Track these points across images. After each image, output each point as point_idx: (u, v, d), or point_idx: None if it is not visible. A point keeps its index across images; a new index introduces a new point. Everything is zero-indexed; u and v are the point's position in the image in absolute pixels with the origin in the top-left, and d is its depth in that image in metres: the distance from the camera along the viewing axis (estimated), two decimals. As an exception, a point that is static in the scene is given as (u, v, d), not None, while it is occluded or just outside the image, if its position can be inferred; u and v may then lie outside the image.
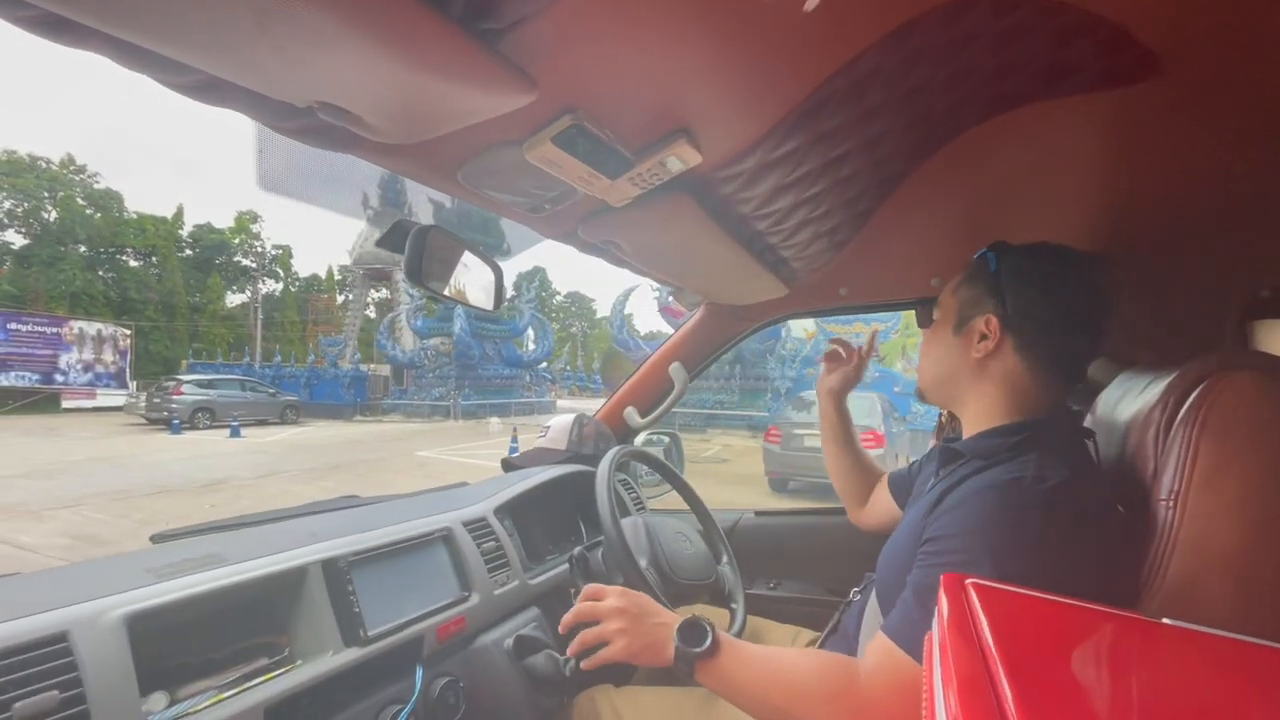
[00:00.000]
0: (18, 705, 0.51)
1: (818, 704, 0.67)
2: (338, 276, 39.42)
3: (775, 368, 14.50)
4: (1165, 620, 0.52)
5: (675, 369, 1.49)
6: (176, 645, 0.68)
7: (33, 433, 13.23)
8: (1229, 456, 0.62)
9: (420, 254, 0.68)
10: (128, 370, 21.38)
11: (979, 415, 0.82)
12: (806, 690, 0.69)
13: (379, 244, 0.71)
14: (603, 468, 1.01)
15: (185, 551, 0.76)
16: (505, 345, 20.22)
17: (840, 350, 1.23)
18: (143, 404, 15.39)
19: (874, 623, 0.84)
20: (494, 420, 17.70)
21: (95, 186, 27.01)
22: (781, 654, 0.75)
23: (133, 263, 27.83)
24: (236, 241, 33.95)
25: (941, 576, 0.55)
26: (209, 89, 0.47)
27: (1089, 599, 0.51)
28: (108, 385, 20.41)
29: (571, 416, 1.52)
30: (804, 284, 1.30)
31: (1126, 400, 0.82)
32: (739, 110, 0.66)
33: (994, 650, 0.42)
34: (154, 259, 28.34)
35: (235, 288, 34.83)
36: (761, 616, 1.30)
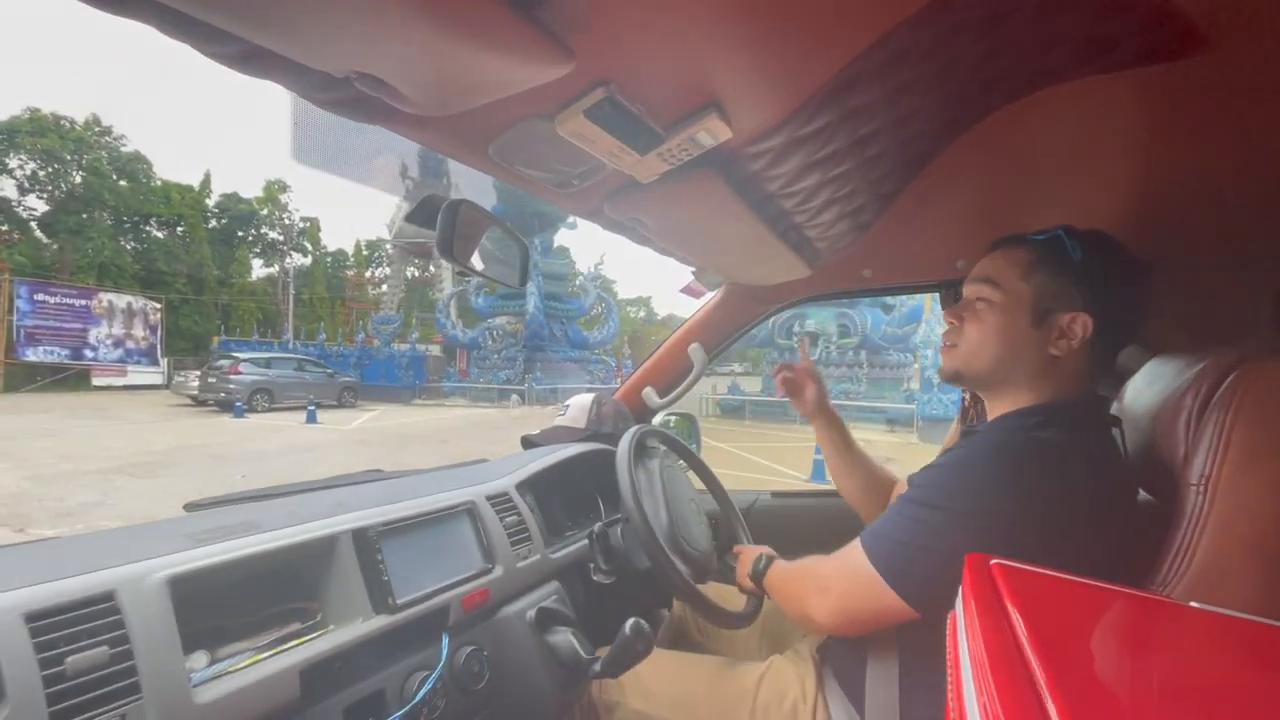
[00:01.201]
0: (70, 659, 0.53)
1: (812, 593, 0.85)
2: (365, 251, 38.15)
3: (926, 354, 13.17)
4: (1193, 604, 0.52)
5: (694, 349, 1.49)
6: (214, 608, 0.70)
7: (79, 413, 12.36)
8: (1263, 443, 0.62)
9: (452, 229, 0.68)
10: (159, 346, 20.57)
11: (1014, 400, 0.82)
12: (806, 588, 0.87)
13: (408, 219, 0.71)
14: (623, 447, 1.02)
15: (221, 519, 0.78)
16: (571, 326, 19.12)
17: (788, 374, 1.23)
18: (191, 383, 14.41)
19: None
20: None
21: (123, 149, 24.99)
22: (791, 567, 0.95)
23: (156, 233, 26.07)
24: (265, 212, 31.68)
25: (966, 556, 0.56)
26: (250, 59, 0.47)
27: (1092, 572, 0.52)
28: (139, 362, 19.63)
29: (590, 396, 1.53)
30: (827, 265, 1.29)
31: (1156, 386, 0.81)
32: (771, 84, 0.65)
33: (1021, 628, 0.42)
34: (180, 229, 26.53)
35: (263, 261, 32.59)
36: None
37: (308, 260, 34.18)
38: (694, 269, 1.33)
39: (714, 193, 0.83)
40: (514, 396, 16.28)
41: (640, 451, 1.06)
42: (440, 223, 0.67)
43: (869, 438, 11.03)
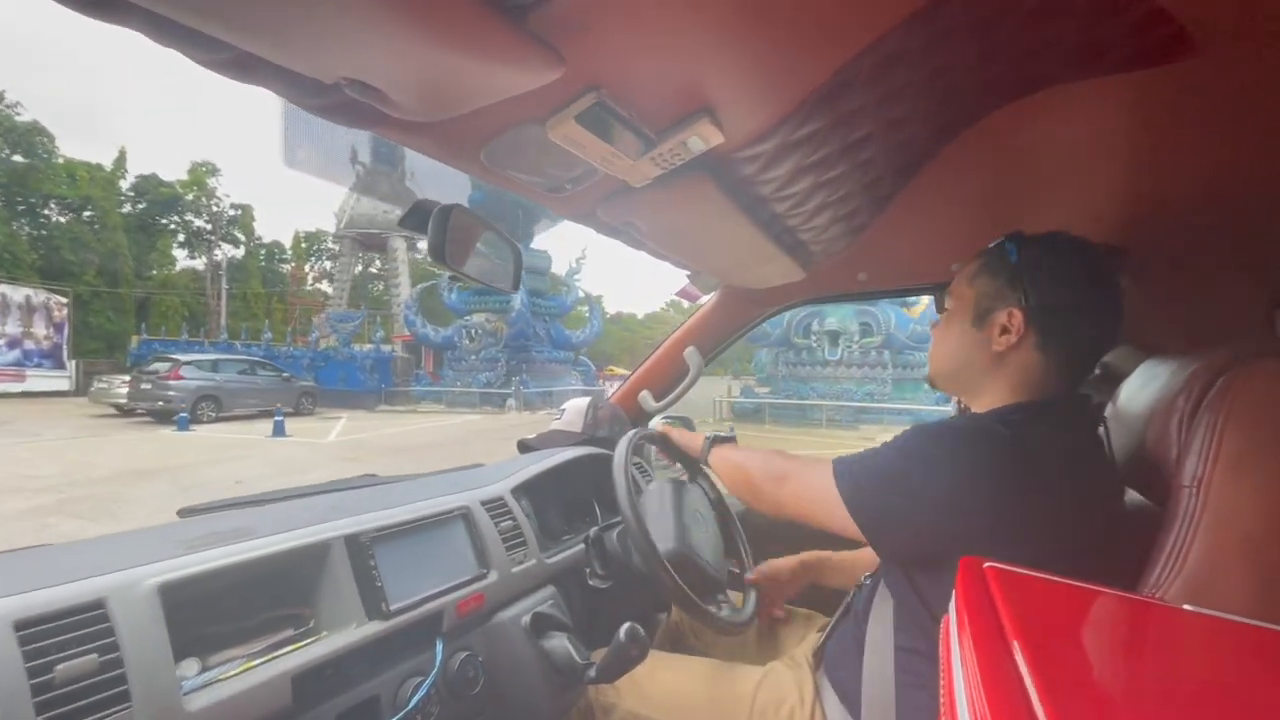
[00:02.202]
0: (60, 667, 0.53)
1: (765, 477, 0.93)
2: (304, 244, 35.39)
3: None
4: (1186, 607, 0.52)
5: (690, 353, 1.49)
6: (206, 615, 0.70)
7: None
8: (1255, 443, 0.62)
9: (443, 234, 0.68)
10: (64, 347, 17.51)
11: (989, 401, 0.83)
12: (760, 470, 0.95)
13: (401, 223, 0.71)
14: (619, 452, 1.01)
15: (213, 525, 0.78)
16: (553, 325, 17.82)
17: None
18: (117, 388, 12.00)
19: (884, 607, 0.85)
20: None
21: (17, 119, 21.53)
22: (744, 449, 1.04)
23: (59, 217, 22.42)
24: (190, 197, 28.28)
25: (960, 560, 0.56)
26: (240, 65, 0.47)
27: (1074, 570, 0.52)
28: (40, 365, 16.69)
29: (586, 399, 1.53)
30: (822, 268, 1.29)
31: (1149, 387, 0.81)
32: (763, 89, 0.65)
33: (1013, 632, 0.42)
34: (88, 214, 22.97)
35: (188, 252, 29.31)
36: None
37: (240, 252, 31.42)
38: (689, 273, 1.33)
39: (707, 196, 0.83)
40: (509, 401, 15.37)
41: (638, 453, 1.06)
42: (431, 228, 0.67)
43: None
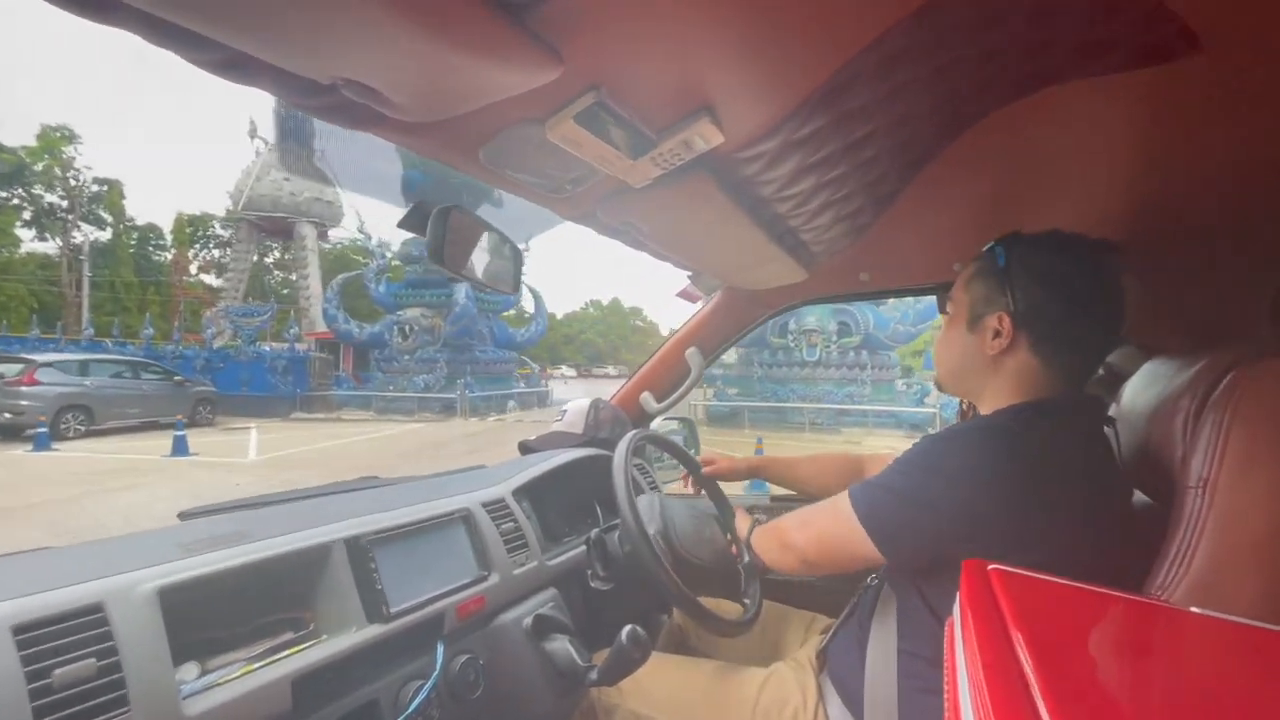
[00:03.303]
0: (57, 672, 0.53)
1: (793, 528, 0.93)
2: (189, 228, 30.44)
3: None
4: (1193, 609, 0.51)
5: (691, 354, 1.48)
6: (206, 618, 0.70)
7: None
8: (1261, 444, 0.61)
9: (442, 236, 0.68)
10: None
11: (993, 402, 0.83)
12: (789, 525, 0.95)
13: (400, 224, 0.71)
14: (619, 453, 1.01)
15: (213, 528, 0.77)
16: (495, 322, 16.22)
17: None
18: None
19: (887, 609, 0.85)
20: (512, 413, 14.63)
21: None
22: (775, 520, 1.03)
23: None
24: (40, 168, 23.51)
25: (963, 563, 0.55)
26: (235, 66, 0.47)
27: (1082, 570, 0.51)
28: None
29: (587, 401, 1.53)
30: (824, 268, 1.29)
31: (1154, 387, 0.81)
32: (763, 88, 0.65)
33: (1018, 635, 0.42)
34: None
35: (37, 232, 24.12)
36: (777, 602, 1.30)
37: (106, 235, 26.37)
38: (690, 273, 1.33)
39: (708, 197, 0.83)
40: (460, 408, 13.78)
41: (638, 454, 1.06)
42: (430, 229, 0.67)
43: (892, 444, 9.63)
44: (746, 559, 1.14)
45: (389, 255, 16.23)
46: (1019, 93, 0.77)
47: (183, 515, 0.96)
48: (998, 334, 0.81)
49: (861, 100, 0.71)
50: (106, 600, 0.58)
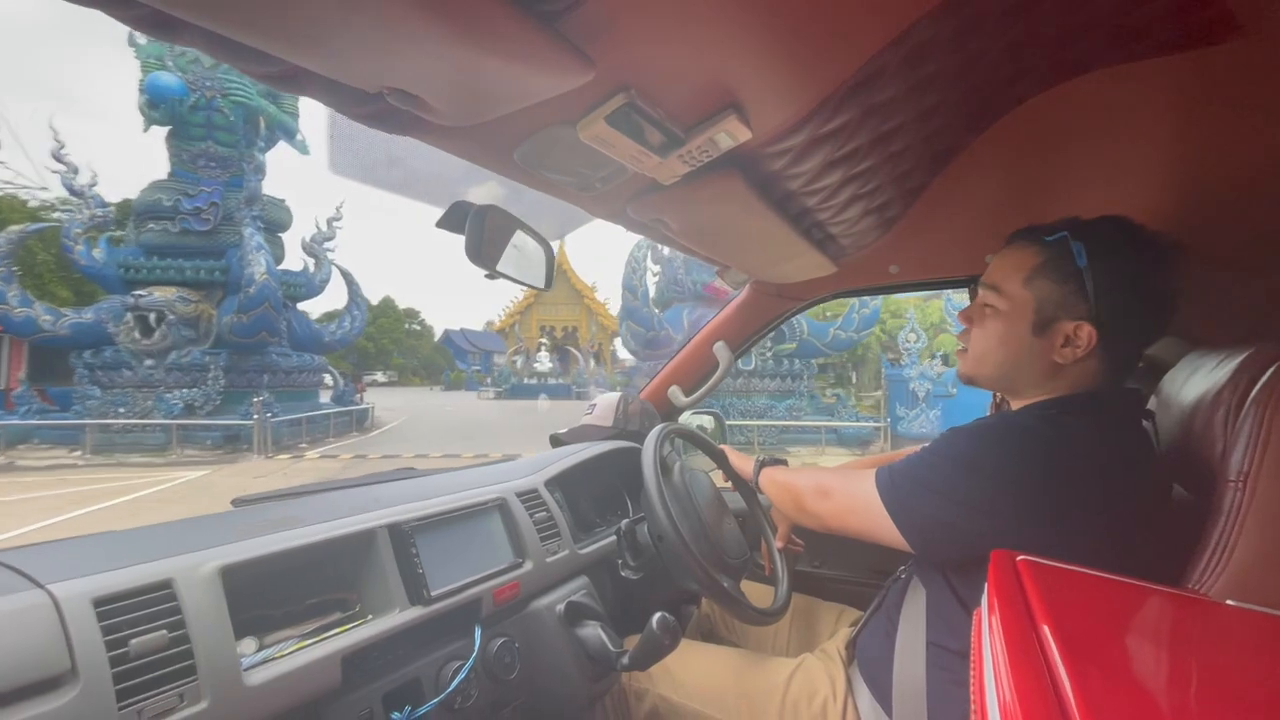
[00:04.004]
0: (134, 641, 0.57)
1: (811, 492, 0.93)
2: None
3: (907, 363, 11.90)
4: (1229, 602, 0.51)
5: (719, 348, 1.49)
6: (261, 597, 0.74)
7: None
8: None
9: (480, 234, 0.70)
10: None
11: (1034, 396, 0.81)
12: (806, 487, 0.95)
13: (439, 225, 0.74)
14: (649, 445, 1.03)
15: (266, 514, 0.82)
16: (295, 314, 12.03)
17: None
18: None
19: (916, 601, 0.85)
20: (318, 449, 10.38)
21: None
22: (792, 469, 1.06)
23: None
24: None
25: (992, 553, 0.56)
26: (290, 78, 0.50)
27: (1120, 567, 0.51)
28: None
29: (617, 395, 1.55)
30: (852, 261, 1.28)
31: (1195, 379, 0.79)
32: (790, 84, 0.65)
33: (1046, 627, 0.42)
34: None
35: None
36: (805, 594, 1.31)
37: None
38: (718, 268, 1.34)
39: (735, 192, 0.84)
40: (257, 440, 9.61)
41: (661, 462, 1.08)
42: (469, 229, 0.70)
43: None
44: (779, 561, 1.16)
45: (108, 208, 10.98)
46: (1051, 81, 0.76)
47: (236, 502, 1.01)
48: (1069, 342, 0.74)
49: (889, 93, 0.71)
50: (175, 577, 0.63)
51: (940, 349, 13.42)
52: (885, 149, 0.84)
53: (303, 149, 12.86)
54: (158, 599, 0.61)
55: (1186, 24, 0.63)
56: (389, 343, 47.92)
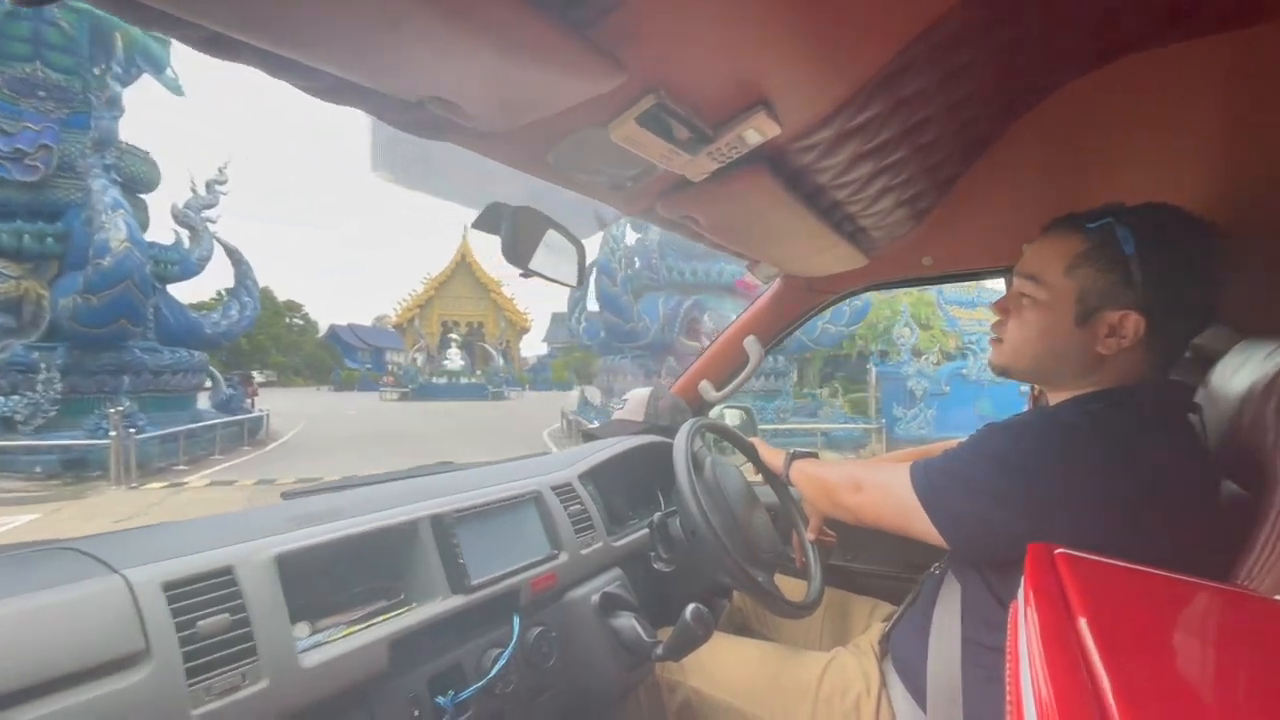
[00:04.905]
0: (200, 623, 0.61)
1: (844, 487, 0.92)
2: None
3: (905, 358, 11.23)
4: (1278, 597, 0.49)
5: (750, 342, 1.49)
6: (313, 585, 0.78)
7: None
8: None
9: (515, 234, 0.72)
10: None
11: (1071, 389, 0.79)
12: (839, 480, 0.94)
13: (475, 225, 0.76)
14: (680, 440, 1.04)
15: (315, 505, 0.86)
16: (166, 298, 9.55)
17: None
18: None
19: (951, 596, 0.84)
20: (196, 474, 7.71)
21: None
22: (823, 461, 1.05)
23: None
24: None
25: (1028, 546, 0.55)
26: (336, 90, 0.52)
27: (1168, 565, 0.50)
28: None
29: (648, 390, 1.57)
30: (884, 253, 1.27)
31: (1246, 370, 0.76)
32: (819, 79, 0.65)
33: (1084, 621, 0.42)
34: None
35: None
36: (838, 588, 1.31)
37: None
38: (748, 263, 1.34)
39: (764, 187, 0.84)
40: (115, 465, 7.01)
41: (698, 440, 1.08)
42: (504, 229, 0.72)
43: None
44: (811, 554, 1.16)
45: None
46: (1088, 66, 0.74)
47: (285, 494, 1.06)
48: (1114, 333, 0.72)
49: (920, 84, 0.71)
50: (235, 564, 0.67)
51: (929, 347, 12.43)
52: (917, 140, 0.83)
53: (174, 88, 9.88)
54: (220, 584, 0.65)
55: (1234, 2, 0.61)
56: (266, 339, 42.41)
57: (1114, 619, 0.44)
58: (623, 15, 0.49)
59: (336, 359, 44.29)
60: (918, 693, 0.86)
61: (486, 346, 33.02)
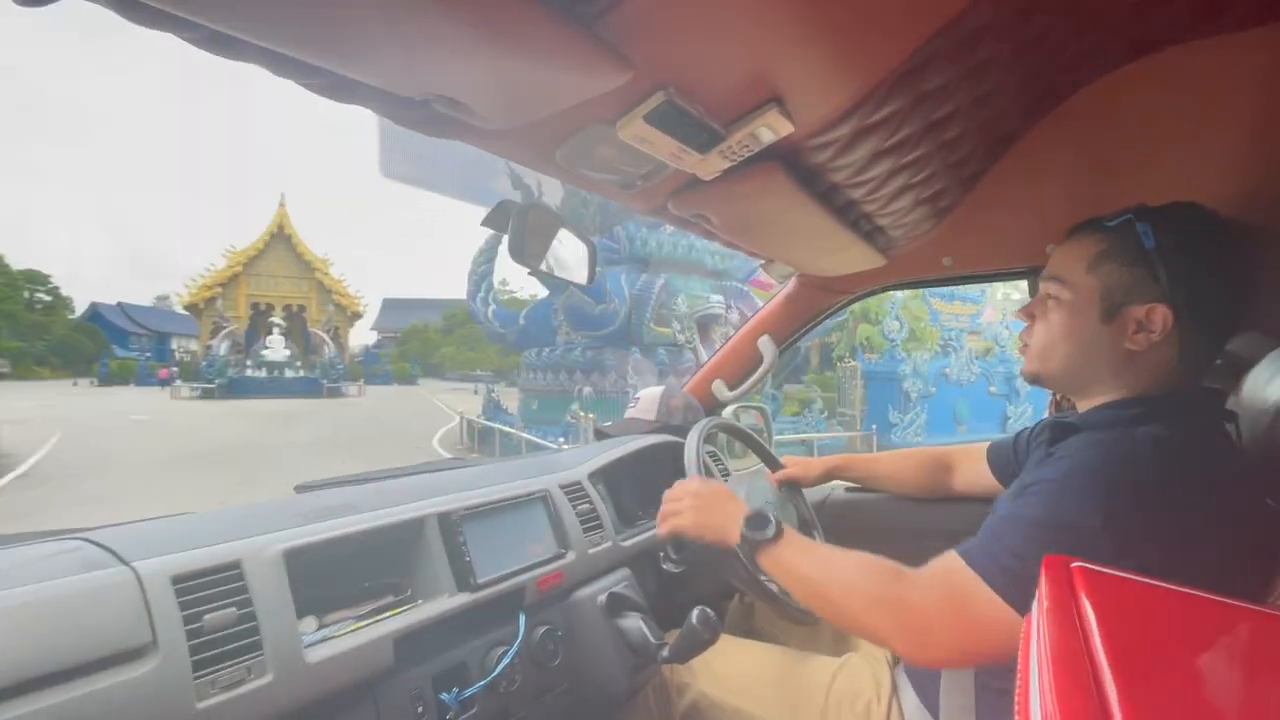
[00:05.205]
0: (207, 617, 0.62)
1: (865, 601, 0.71)
2: None
3: (901, 356, 10.39)
4: None
5: (764, 342, 1.48)
6: (320, 580, 0.79)
7: None
8: None
9: (523, 232, 0.72)
10: None
11: (1102, 395, 0.76)
12: (855, 586, 0.72)
13: (484, 223, 0.76)
14: (691, 439, 1.03)
15: (326, 500, 0.87)
16: None
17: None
18: None
19: None
20: None
21: None
22: (838, 551, 0.79)
23: None
24: None
25: (1044, 558, 0.53)
26: (341, 88, 0.52)
27: (1210, 584, 0.47)
28: None
29: (660, 388, 1.56)
30: (903, 253, 1.24)
31: None
32: (834, 75, 0.64)
33: (1098, 639, 0.40)
34: None
35: None
36: None
37: None
38: (762, 262, 1.32)
39: (778, 186, 0.82)
40: None
41: (710, 441, 1.07)
42: (512, 227, 0.71)
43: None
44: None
45: None
46: (1119, 61, 0.72)
47: (299, 488, 1.07)
48: (1142, 328, 0.70)
49: (942, 79, 0.69)
50: (243, 559, 0.68)
51: (922, 342, 11.33)
52: (938, 137, 0.80)
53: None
54: (228, 578, 0.66)
55: None
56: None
57: (1130, 636, 0.42)
58: (629, 11, 0.48)
59: (101, 346, 35.68)
60: (930, 701, 0.85)
61: (319, 333, 28.43)
